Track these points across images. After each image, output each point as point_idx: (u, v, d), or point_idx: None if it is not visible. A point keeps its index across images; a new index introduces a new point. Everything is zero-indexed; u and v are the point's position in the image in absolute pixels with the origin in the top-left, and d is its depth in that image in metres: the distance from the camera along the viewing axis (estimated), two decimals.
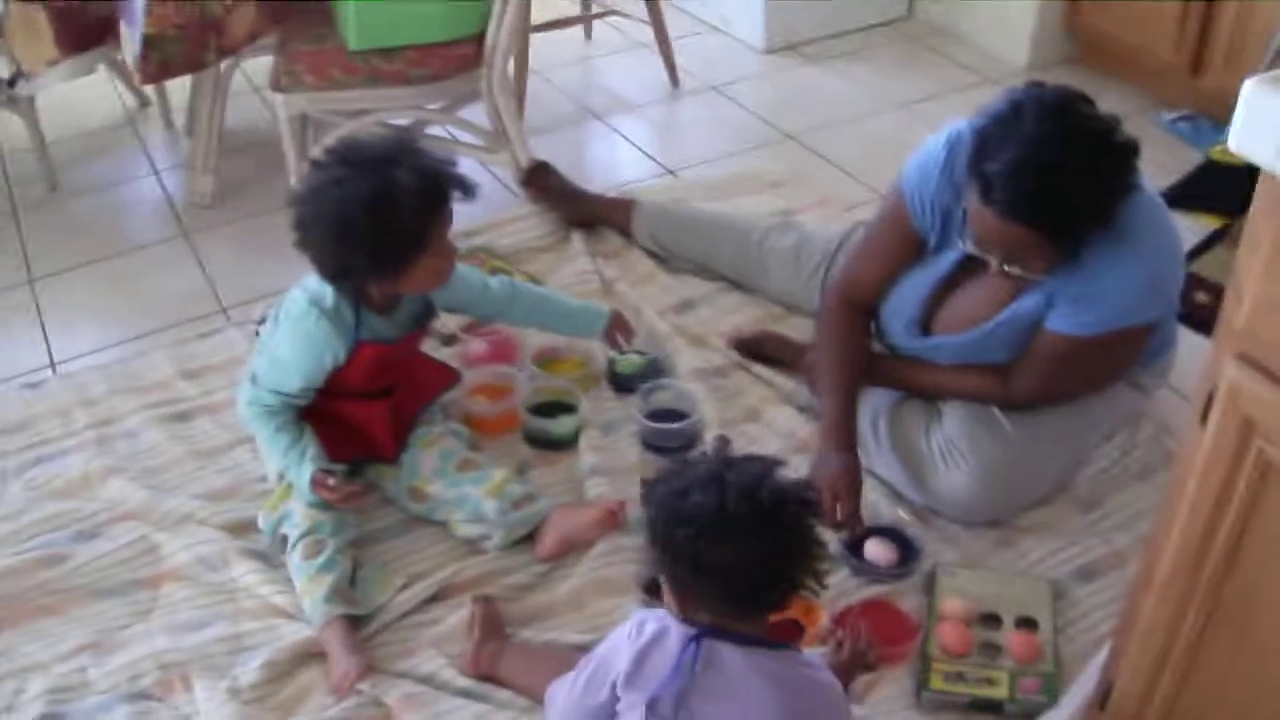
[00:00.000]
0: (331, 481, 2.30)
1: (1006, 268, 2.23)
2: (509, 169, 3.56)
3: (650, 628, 1.71)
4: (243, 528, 2.49)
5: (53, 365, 3.11)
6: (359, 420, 2.44)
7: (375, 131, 2.24)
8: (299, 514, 2.35)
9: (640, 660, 1.69)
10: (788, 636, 2.01)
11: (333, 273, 2.25)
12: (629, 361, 2.79)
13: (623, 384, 2.80)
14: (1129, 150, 2.13)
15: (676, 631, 1.67)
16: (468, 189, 2.27)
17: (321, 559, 2.29)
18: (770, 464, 1.67)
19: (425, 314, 2.47)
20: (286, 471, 2.37)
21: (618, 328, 2.74)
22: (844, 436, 2.40)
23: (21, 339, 3.22)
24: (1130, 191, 2.16)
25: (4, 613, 2.38)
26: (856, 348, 2.54)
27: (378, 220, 2.14)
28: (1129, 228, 2.18)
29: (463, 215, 3.40)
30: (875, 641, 2.00)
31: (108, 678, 2.23)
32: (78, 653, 2.29)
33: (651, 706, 1.65)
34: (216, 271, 3.36)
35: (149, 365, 3.02)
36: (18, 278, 3.48)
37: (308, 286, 2.33)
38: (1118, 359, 2.40)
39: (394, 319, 2.39)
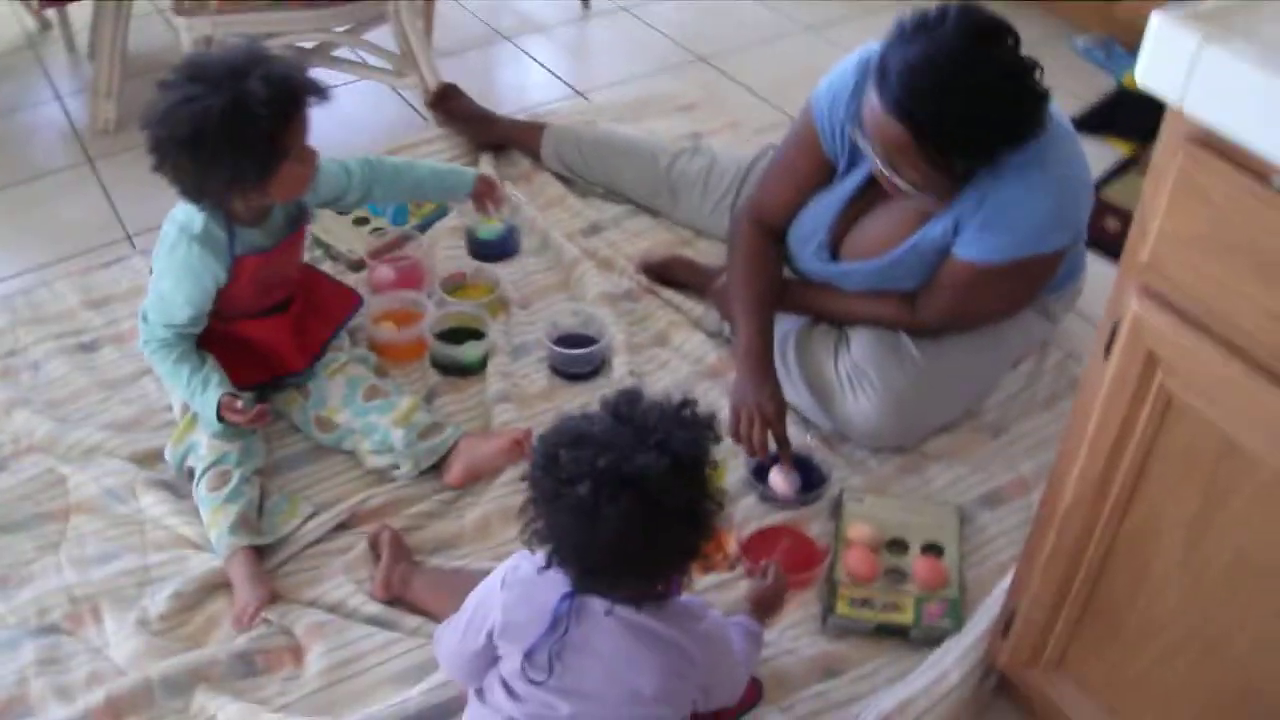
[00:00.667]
0: (239, 404, 2.29)
1: (885, 172, 2.21)
2: (417, 92, 3.52)
3: (523, 572, 1.67)
4: (150, 458, 2.46)
5: None
6: (262, 338, 2.43)
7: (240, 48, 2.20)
8: (204, 445, 2.35)
9: (511, 611, 1.64)
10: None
11: (195, 193, 2.23)
12: (489, 228, 2.84)
13: (480, 250, 2.85)
14: (1037, 98, 2.11)
15: (550, 583, 1.62)
16: (320, 91, 2.24)
17: (227, 490, 2.28)
18: (675, 460, 1.51)
19: (299, 215, 2.45)
20: (191, 402, 2.35)
21: (486, 192, 2.73)
22: (763, 360, 2.40)
23: None
24: (1021, 141, 2.14)
25: None
26: (769, 270, 2.53)
27: (233, 133, 2.11)
28: (1037, 156, 2.17)
29: (371, 138, 3.43)
30: (782, 573, 2.03)
31: (15, 613, 2.22)
32: None
33: (528, 656, 1.62)
34: (120, 199, 3.30)
35: (53, 295, 2.96)
36: None
37: (175, 217, 2.32)
38: (1023, 287, 2.41)
39: (266, 227, 2.37)
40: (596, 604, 1.61)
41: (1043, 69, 2.11)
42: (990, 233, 2.24)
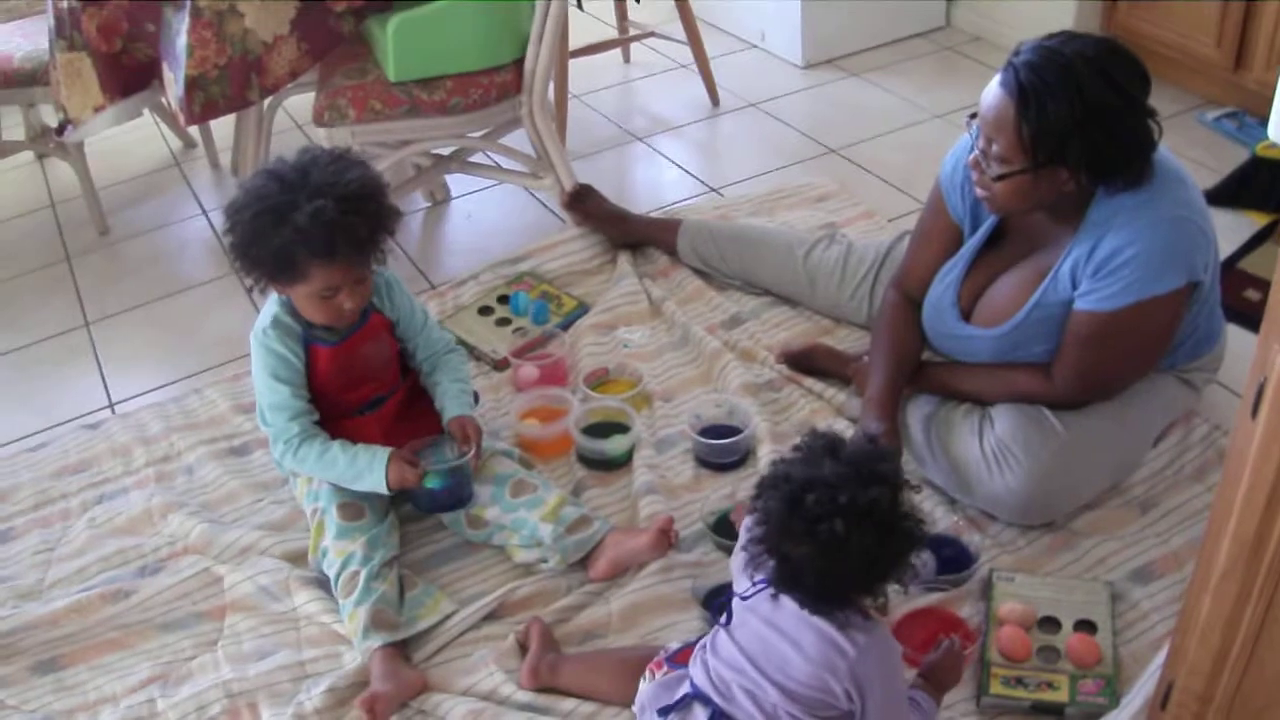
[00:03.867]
0: (407, 464, 2.41)
1: (979, 163, 2.30)
2: (553, 193, 3.61)
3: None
4: (302, 557, 2.55)
5: (111, 405, 3.19)
6: (352, 438, 2.49)
7: (347, 162, 2.32)
8: (331, 550, 2.43)
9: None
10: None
11: (240, 267, 2.37)
12: (435, 474, 2.47)
13: (426, 501, 2.52)
14: (1143, 133, 2.22)
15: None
16: (364, 251, 2.35)
17: (357, 592, 2.35)
18: (892, 491, 1.73)
19: (366, 315, 2.52)
20: (354, 479, 2.43)
21: (462, 429, 2.53)
22: (885, 409, 2.49)
23: (80, 381, 3.30)
24: (1113, 178, 2.24)
25: (72, 648, 2.45)
26: (908, 333, 2.62)
27: (255, 235, 2.29)
28: (1148, 199, 2.24)
29: (509, 239, 3.51)
30: (959, 649, 2.05)
31: (176, 709, 2.29)
32: (146, 685, 2.36)
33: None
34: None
35: (204, 402, 3.10)
36: (74, 321, 3.57)
37: (260, 316, 2.49)
38: (1150, 339, 2.39)
39: (332, 327, 2.47)
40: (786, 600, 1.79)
41: (1161, 126, 2.21)
42: (1106, 279, 2.27)
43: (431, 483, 2.46)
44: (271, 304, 2.47)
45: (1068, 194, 2.28)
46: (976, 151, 2.30)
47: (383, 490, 2.41)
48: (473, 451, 2.48)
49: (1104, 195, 2.28)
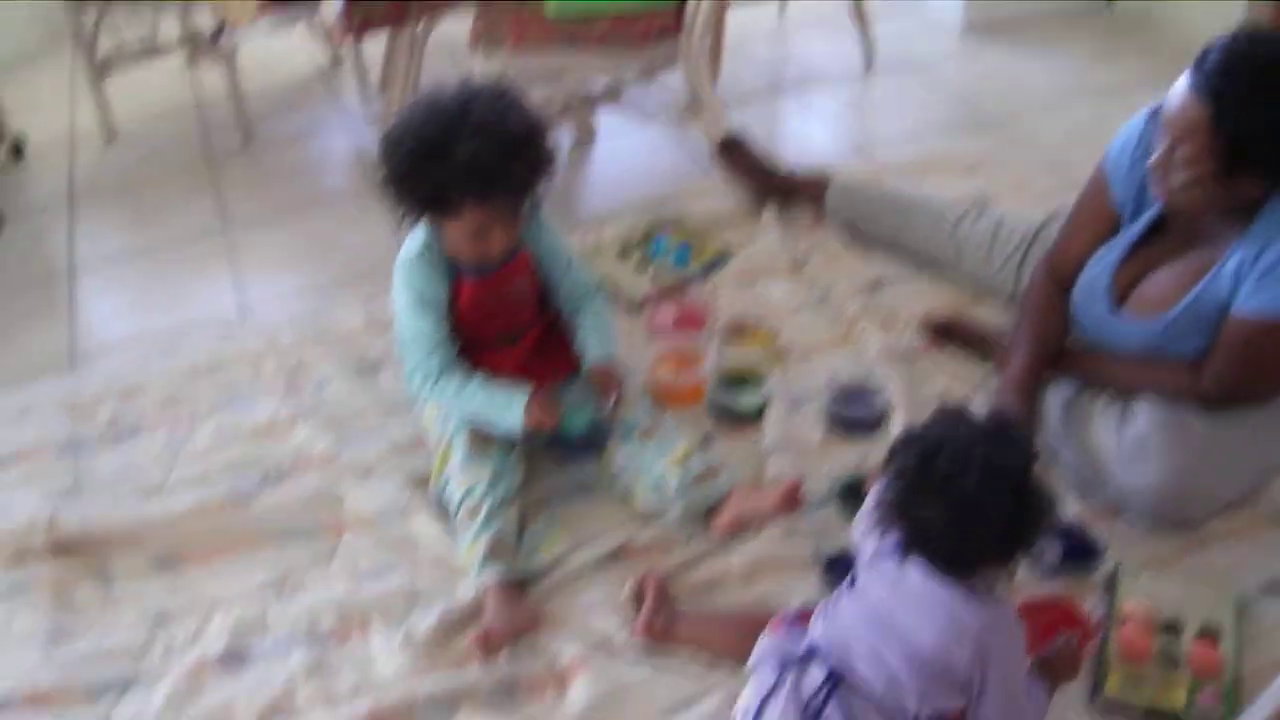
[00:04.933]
0: (542, 400, 2.39)
1: (1162, 167, 2.24)
2: (703, 139, 3.56)
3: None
4: (425, 481, 2.54)
5: (245, 311, 3.21)
6: (489, 370, 2.48)
7: (509, 101, 2.30)
8: (455, 478, 2.42)
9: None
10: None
11: (391, 198, 2.36)
12: (574, 418, 2.48)
13: (561, 444, 2.54)
14: None
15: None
16: (521, 191, 2.35)
17: (478, 522, 2.34)
18: (1025, 460, 1.73)
19: (514, 251, 2.49)
20: (492, 415, 2.41)
21: (599, 380, 2.51)
22: (1024, 391, 2.46)
23: (216, 284, 3.33)
24: None
25: (190, 548, 2.48)
26: (1054, 317, 2.57)
27: (411, 166, 2.28)
28: None
29: (654, 183, 3.48)
30: (1077, 644, 2.00)
31: (287, 619, 2.31)
32: (260, 592, 2.38)
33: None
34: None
35: (339, 317, 3.11)
36: (214, 224, 3.60)
37: (400, 255, 2.47)
38: None
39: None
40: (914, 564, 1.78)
41: None
42: (1271, 282, 2.20)
43: (569, 429, 2.46)
44: (418, 233, 2.45)
45: (1245, 196, 2.21)
46: (1159, 153, 2.23)
47: (518, 430, 2.39)
48: (613, 400, 2.47)
49: (1278, 199, 2.22)
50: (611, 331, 2.58)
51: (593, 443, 2.49)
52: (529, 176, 2.33)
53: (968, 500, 1.67)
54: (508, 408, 2.38)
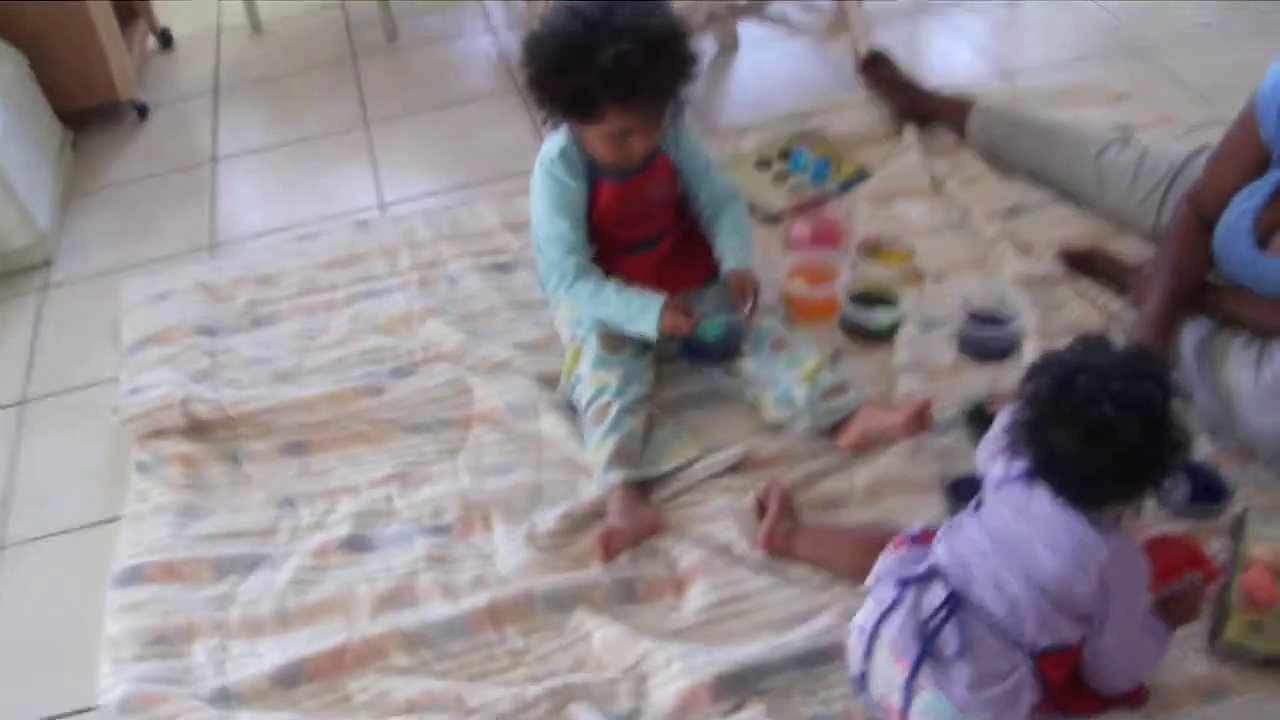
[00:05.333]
0: (678, 306, 2.40)
1: None
2: (847, 55, 3.51)
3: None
4: (553, 380, 2.55)
5: (382, 206, 3.24)
6: (624, 274, 2.48)
7: (651, 4, 2.29)
8: (586, 378, 2.43)
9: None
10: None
11: (534, 99, 2.35)
12: (708, 325, 2.46)
13: (694, 349, 2.54)
14: None
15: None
16: (662, 96, 2.33)
17: (606, 423, 2.35)
18: (1162, 393, 1.70)
19: (653, 157, 2.48)
20: (627, 318, 2.42)
21: (737, 287, 2.50)
22: (1160, 326, 2.40)
23: (355, 178, 3.36)
24: None
25: (321, 435, 2.53)
26: (1195, 253, 2.49)
27: (555, 69, 2.27)
28: None
29: (795, 96, 3.44)
30: (1201, 583, 1.96)
31: (412, 509, 2.35)
32: (386, 481, 2.42)
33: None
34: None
35: (474, 215, 3.12)
36: (354, 119, 3.63)
37: (539, 155, 2.47)
38: None
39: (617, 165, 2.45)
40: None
41: None
42: None
43: (704, 334, 2.45)
44: (558, 135, 2.45)
45: None
46: None
47: (652, 335, 2.39)
48: (749, 307, 2.46)
49: None
50: (749, 239, 2.57)
51: (725, 351, 2.49)
52: (671, 80, 2.32)
53: (1101, 429, 1.65)
54: (643, 312, 2.38)
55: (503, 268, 2.93)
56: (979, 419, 2.37)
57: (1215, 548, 2.19)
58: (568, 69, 2.24)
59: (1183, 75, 3.61)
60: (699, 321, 2.42)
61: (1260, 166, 2.40)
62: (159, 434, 2.55)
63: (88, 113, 3.70)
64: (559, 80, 2.27)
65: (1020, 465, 1.78)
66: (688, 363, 2.56)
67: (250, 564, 2.29)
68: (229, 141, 3.64)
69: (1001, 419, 1.84)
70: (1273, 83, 2.35)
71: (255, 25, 4.24)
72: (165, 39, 4.21)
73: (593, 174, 2.44)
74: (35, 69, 3.49)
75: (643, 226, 2.52)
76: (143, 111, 3.78)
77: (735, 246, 2.53)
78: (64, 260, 3.22)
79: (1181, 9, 3.98)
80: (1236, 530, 2.20)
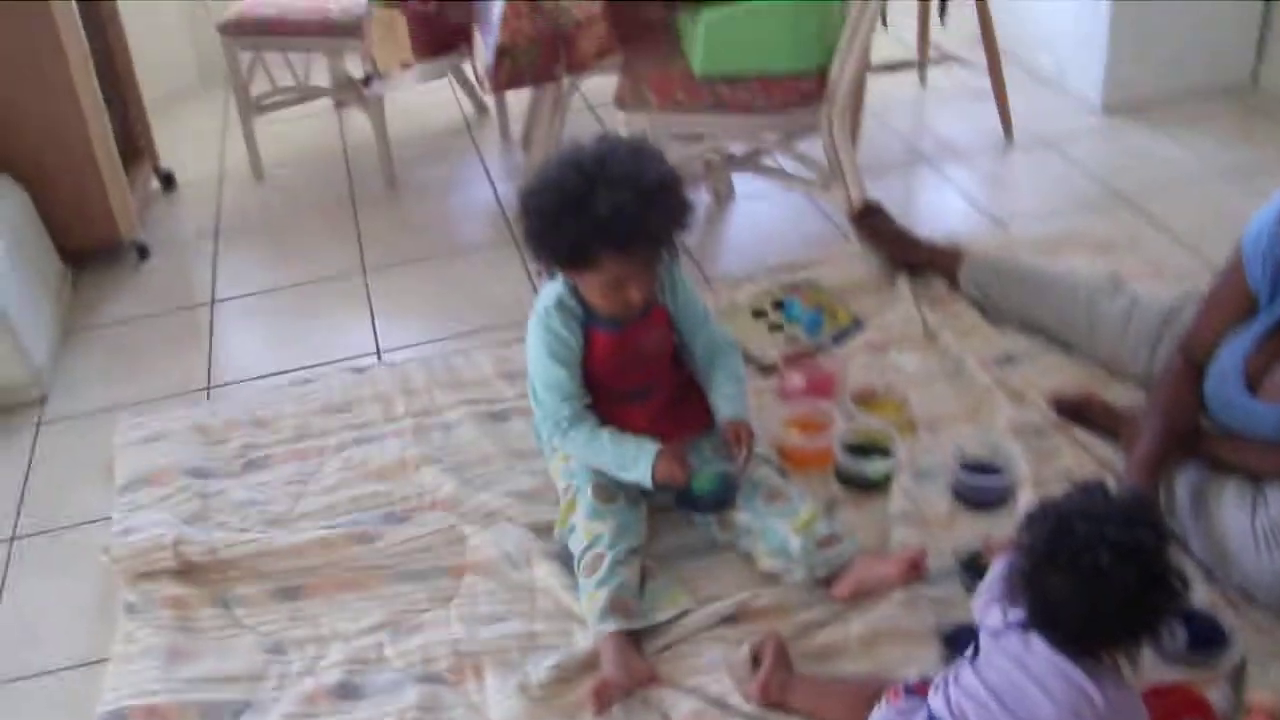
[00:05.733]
0: (673, 455, 2.39)
1: None
2: (839, 205, 3.55)
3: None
4: (547, 529, 2.54)
5: (379, 353, 3.26)
6: (618, 424, 2.47)
7: (646, 154, 2.33)
8: (580, 528, 2.41)
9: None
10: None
11: (530, 250, 2.38)
12: (704, 477, 2.44)
13: (689, 499, 2.49)
14: None
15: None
16: (658, 243, 2.36)
17: (600, 574, 2.33)
18: (1158, 540, 1.72)
19: (649, 308, 2.50)
20: (621, 466, 2.42)
21: (736, 435, 2.48)
22: (1151, 472, 2.39)
23: (352, 324, 3.38)
24: None
25: (313, 580, 2.51)
26: (1186, 399, 2.50)
27: (552, 218, 2.29)
28: None
29: (789, 246, 3.47)
30: None
31: (403, 656, 2.32)
32: (377, 629, 2.39)
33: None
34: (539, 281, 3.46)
35: (470, 363, 3.13)
36: (353, 266, 3.66)
37: (536, 303, 2.49)
38: None
39: (614, 316, 2.46)
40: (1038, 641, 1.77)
41: None
42: None
43: (699, 485, 2.44)
44: (555, 285, 2.47)
45: None
46: None
47: (647, 484, 2.39)
48: (744, 457, 2.45)
49: None
50: (744, 389, 2.57)
51: (720, 501, 2.47)
52: (666, 227, 2.35)
53: (1098, 578, 1.65)
54: (637, 461, 2.38)
55: (498, 416, 2.93)
56: (974, 568, 2.35)
57: (1216, 694, 2.15)
58: (565, 218, 2.26)
59: (1169, 224, 3.66)
60: (694, 471, 2.42)
61: (1248, 310, 2.42)
62: (149, 575, 2.52)
63: (88, 251, 3.73)
64: (556, 229, 2.29)
65: (1017, 614, 1.78)
66: (682, 512, 2.54)
67: (238, 710, 2.25)
68: (228, 285, 3.66)
69: (996, 567, 1.84)
70: (1256, 231, 2.38)
71: (257, 172, 4.29)
72: (168, 181, 4.26)
73: (589, 323, 2.45)
74: (38, 205, 3.53)
75: (638, 375, 2.53)
76: (143, 252, 3.81)
77: (730, 396, 2.53)
78: (59, 397, 3.22)
79: (1167, 159, 4.05)
80: (1236, 676, 2.18)
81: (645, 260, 2.36)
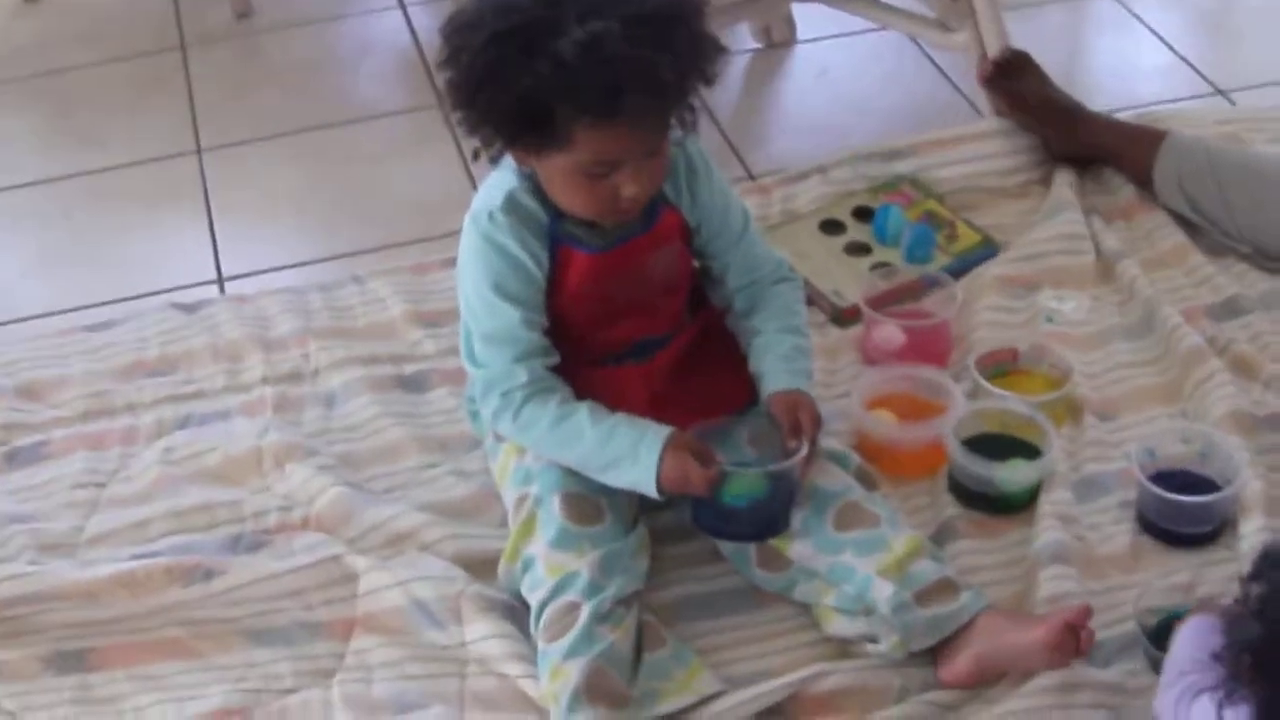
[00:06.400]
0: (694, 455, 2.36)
1: None
2: (967, 58, 3.56)
3: None
4: (489, 565, 2.54)
5: (220, 280, 3.27)
6: (604, 396, 2.46)
7: None
8: (541, 564, 2.40)
9: None
10: None
11: (461, 115, 2.34)
12: (738, 480, 2.43)
13: (716, 518, 2.49)
14: None
15: None
16: (669, 117, 2.33)
17: (572, 636, 2.31)
18: None
19: (651, 212, 2.48)
20: (613, 467, 2.40)
21: (792, 416, 2.48)
22: None
23: (178, 235, 3.39)
24: None
25: (111, 641, 2.50)
26: None
27: (489, 71, 2.23)
28: None
29: (884, 120, 3.49)
30: None
31: None
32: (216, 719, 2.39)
33: None
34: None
35: (366, 297, 3.15)
36: (179, 143, 3.67)
37: (473, 206, 2.47)
38: None
39: (597, 225, 2.44)
40: None
41: None
42: None
43: (732, 494, 2.41)
44: (504, 175, 2.45)
45: None
46: None
47: (650, 491, 2.38)
48: (804, 451, 2.43)
49: None
50: (807, 345, 2.58)
51: (764, 521, 2.46)
52: (677, 77, 2.28)
53: None
54: (635, 454, 2.36)
55: (410, 383, 2.95)
56: (1169, 637, 2.37)
57: None
58: (511, 64, 2.21)
59: None
60: (724, 473, 2.39)
61: None
62: None
63: None
64: (498, 84, 2.24)
65: (1239, 714, 1.79)
66: (705, 539, 2.56)
67: None
68: None
69: (1193, 635, 1.84)
70: None
71: None
72: None
73: (558, 238, 2.44)
74: None
75: (635, 322, 2.53)
76: None
77: (783, 353, 2.53)
78: None
79: None
80: None
81: (644, 132, 2.31)
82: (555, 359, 2.47)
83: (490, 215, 2.40)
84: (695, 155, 2.53)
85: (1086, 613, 2.32)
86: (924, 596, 2.37)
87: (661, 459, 2.34)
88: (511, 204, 2.40)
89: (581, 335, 2.51)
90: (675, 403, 2.49)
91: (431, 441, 2.82)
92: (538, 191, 2.42)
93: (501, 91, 2.22)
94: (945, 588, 2.39)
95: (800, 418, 2.43)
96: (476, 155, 2.41)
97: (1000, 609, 2.43)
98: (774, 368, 2.51)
